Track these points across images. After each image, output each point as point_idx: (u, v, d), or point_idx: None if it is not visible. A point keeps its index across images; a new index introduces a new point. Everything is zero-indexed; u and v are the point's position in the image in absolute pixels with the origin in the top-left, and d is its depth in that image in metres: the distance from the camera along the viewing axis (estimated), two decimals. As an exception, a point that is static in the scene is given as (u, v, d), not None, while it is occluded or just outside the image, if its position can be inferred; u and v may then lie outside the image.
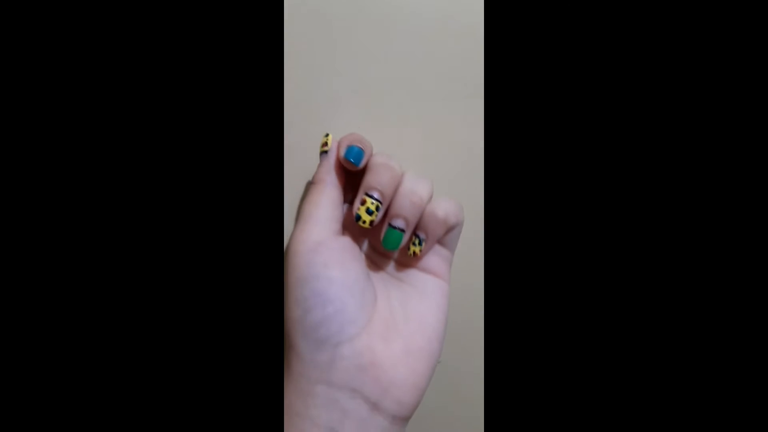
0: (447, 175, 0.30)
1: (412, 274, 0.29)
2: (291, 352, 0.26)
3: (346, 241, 0.27)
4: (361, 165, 0.27)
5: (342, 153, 0.27)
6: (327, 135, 0.28)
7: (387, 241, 0.26)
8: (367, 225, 0.26)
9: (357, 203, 0.26)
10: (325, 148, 0.28)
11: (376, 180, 0.26)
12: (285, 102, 0.29)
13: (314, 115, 0.30)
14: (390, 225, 0.26)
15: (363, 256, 0.29)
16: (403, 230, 0.26)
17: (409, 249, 0.27)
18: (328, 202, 0.27)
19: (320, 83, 0.30)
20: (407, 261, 0.29)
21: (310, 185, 0.29)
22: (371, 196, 0.26)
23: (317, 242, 0.26)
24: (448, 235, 0.28)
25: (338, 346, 0.25)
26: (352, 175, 0.29)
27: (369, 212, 0.26)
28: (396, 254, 0.29)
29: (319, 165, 0.28)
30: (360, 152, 0.26)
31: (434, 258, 0.29)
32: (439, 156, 0.28)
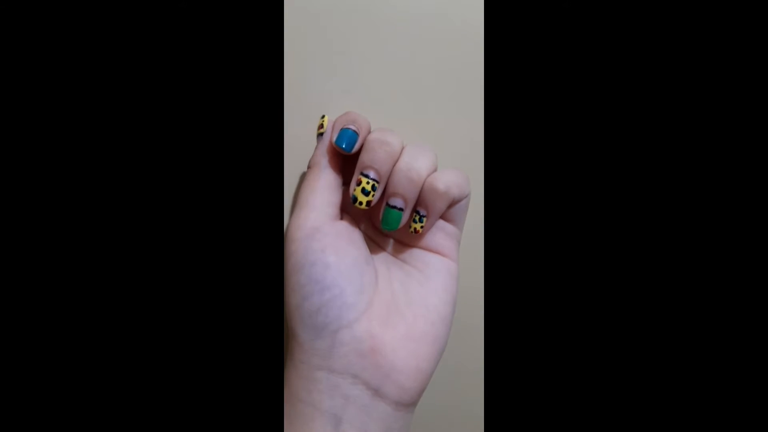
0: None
1: (416, 255, 0.28)
2: (292, 339, 0.25)
3: (344, 225, 0.27)
4: (354, 150, 0.26)
5: (333, 138, 0.26)
6: (323, 117, 0.28)
7: (386, 222, 0.26)
8: (363, 206, 0.25)
9: (353, 184, 0.25)
10: (321, 130, 0.27)
11: (371, 158, 0.25)
12: (285, 100, 0.29)
13: (313, 114, 0.30)
14: (388, 204, 0.25)
15: (363, 239, 0.28)
16: (401, 209, 0.25)
17: (410, 227, 0.26)
18: (324, 186, 0.27)
19: (320, 82, 0.30)
20: (410, 240, 0.28)
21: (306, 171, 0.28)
22: (367, 176, 0.25)
23: (314, 228, 0.25)
24: (452, 209, 0.27)
25: (337, 332, 0.24)
26: (349, 157, 0.28)
27: (365, 192, 0.25)
28: (400, 234, 0.28)
29: (316, 148, 0.28)
30: (353, 136, 0.25)
31: (439, 235, 0.27)
32: (438, 156, 0.28)
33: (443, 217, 0.27)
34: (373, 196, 0.25)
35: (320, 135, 0.27)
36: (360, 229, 0.28)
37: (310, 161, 0.28)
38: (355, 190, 0.25)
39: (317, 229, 0.25)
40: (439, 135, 0.31)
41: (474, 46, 0.30)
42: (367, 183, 0.25)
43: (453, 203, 0.26)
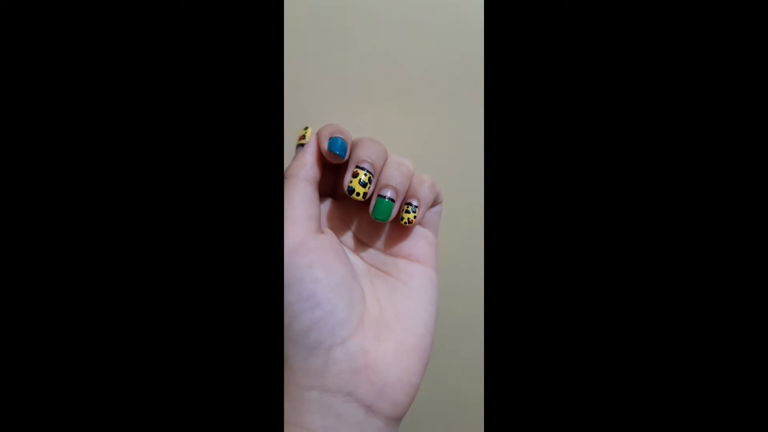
0: (447, 176, 0.30)
1: (400, 266, 0.28)
2: None
3: (328, 239, 0.26)
4: (347, 157, 0.26)
5: (325, 146, 0.25)
6: (306, 128, 0.27)
7: (378, 211, 0.26)
8: (360, 197, 0.25)
9: (348, 177, 0.25)
10: (303, 141, 0.26)
11: (366, 153, 0.25)
12: (285, 101, 0.28)
13: (314, 115, 0.29)
14: (380, 195, 0.26)
15: (346, 253, 0.27)
16: (392, 200, 0.26)
17: (402, 218, 0.26)
18: (303, 198, 0.26)
19: (320, 82, 0.29)
20: (394, 248, 0.28)
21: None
22: (363, 168, 0.25)
23: (297, 243, 0.25)
24: (429, 213, 0.28)
25: (331, 350, 0.24)
26: (327, 171, 0.27)
27: (362, 184, 0.25)
28: (383, 244, 0.29)
29: (294, 159, 0.27)
30: (344, 144, 0.25)
31: (421, 243, 0.28)
32: (438, 153, 0.28)
33: (421, 224, 0.28)
34: (368, 188, 0.25)
35: (300, 146, 0.27)
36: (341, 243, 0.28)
37: (286, 171, 0.27)
38: (351, 182, 0.25)
39: (301, 243, 0.25)
40: (439, 131, 0.32)
41: (474, 47, 0.31)
42: (365, 175, 0.25)
43: (436, 201, 0.28)
